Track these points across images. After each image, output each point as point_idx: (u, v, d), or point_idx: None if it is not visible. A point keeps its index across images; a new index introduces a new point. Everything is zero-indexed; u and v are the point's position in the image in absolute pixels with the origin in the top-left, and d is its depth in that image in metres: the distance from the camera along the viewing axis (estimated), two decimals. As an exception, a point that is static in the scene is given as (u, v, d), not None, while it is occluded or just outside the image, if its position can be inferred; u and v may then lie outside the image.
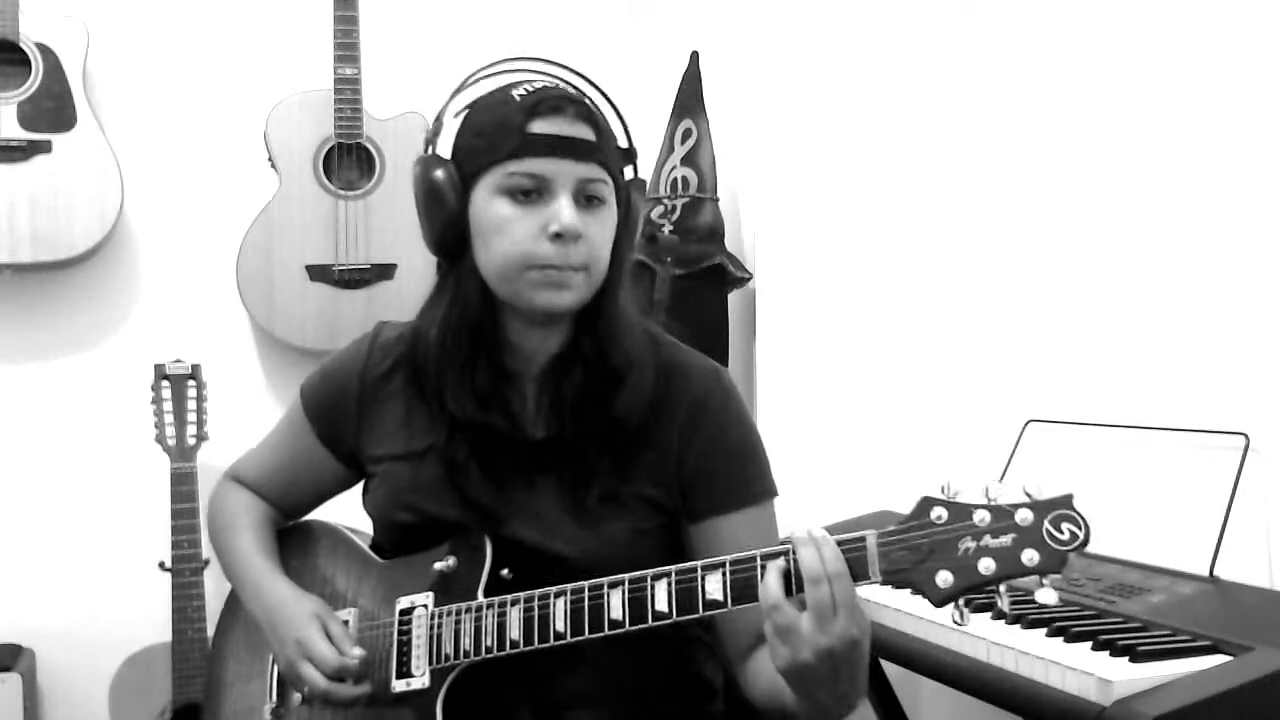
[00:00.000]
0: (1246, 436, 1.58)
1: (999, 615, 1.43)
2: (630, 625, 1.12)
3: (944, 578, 0.99)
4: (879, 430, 2.34)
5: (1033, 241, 2.06)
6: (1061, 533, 0.97)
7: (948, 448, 2.17)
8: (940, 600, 1.00)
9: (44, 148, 2.43)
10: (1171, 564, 1.58)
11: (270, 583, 1.38)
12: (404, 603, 1.29)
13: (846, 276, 2.45)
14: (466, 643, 1.22)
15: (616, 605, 1.13)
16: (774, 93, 2.63)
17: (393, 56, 2.71)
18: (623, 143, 1.30)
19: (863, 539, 1.03)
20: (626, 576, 1.13)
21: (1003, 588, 0.99)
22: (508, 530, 1.27)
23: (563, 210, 1.20)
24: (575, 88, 1.28)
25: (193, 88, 2.69)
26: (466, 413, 1.27)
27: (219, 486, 1.53)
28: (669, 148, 2.70)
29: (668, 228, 2.62)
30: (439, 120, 1.28)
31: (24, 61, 2.45)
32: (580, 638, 1.15)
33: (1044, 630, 1.40)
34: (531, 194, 1.21)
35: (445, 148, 1.27)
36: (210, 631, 1.60)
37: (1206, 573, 1.54)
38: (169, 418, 2.40)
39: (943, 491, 1.02)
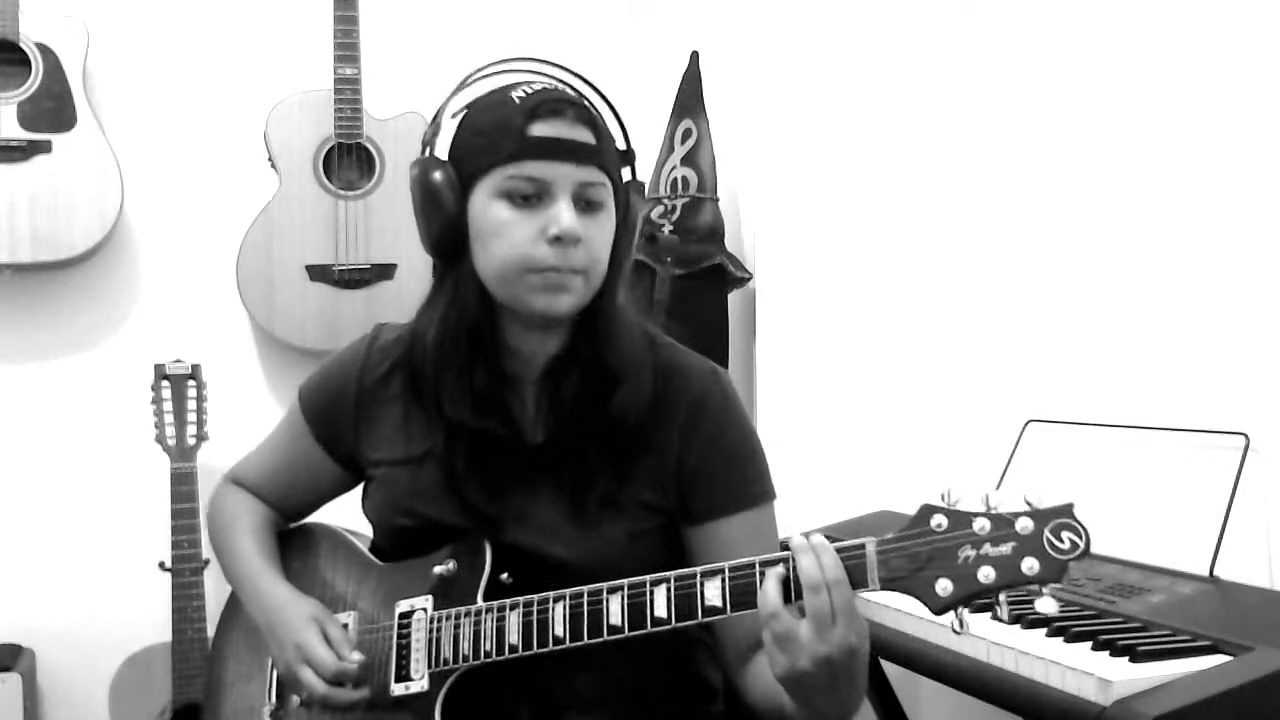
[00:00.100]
0: (1246, 436, 1.58)
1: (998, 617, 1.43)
2: (629, 631, 1.12)
3: (943, 586, 0.99)
4: (879, 431, 2.34)
5: (1032, 242, 2.06)
6: (1062, 542, 0.97)
7: (948, 448, 2.16)
8: (940, 609, 1.00)
9: (44, 148, 2.43)
10: (1171, 564, 1.58)
11: (269, 585, 1.37)
12: (403, 606, 1.29)
13: (846, 277, 2.45)
14: (465, 647, 1.22)
15: (615, 611, 1.12)
16: (774, 93, 2.62)
17: (393, 56, 2.71)
18: (621, 145, 1.30)
19: (862, 546, 1.03)
20: (625, 582, 1.13)
21: (1002, 596, 0.98)
22: (507, 535, 1.27)
23: (562, 214, 1.19)
24: (574, 89, 1.28)
25: (193, 88, 2.68)
26: (464, 417, 1.27)
27: (219, 488, 1.53)
28: (669, 148, 2.69)
29: (668, 228, 2.62)
30: (436, 121, 1.27)
31: (24, 61, 2.44)
32: (579, 643, 1.15)
33: (1044, 630, 1.40)
34: (531, 197, 1.20)
35: (443, 149, 1.27)
36: (210, 632, 1.60)
37: (1206, 573, 1.54)
38: (169, 418, 2.40)
39: (943, 499, 1.01)
